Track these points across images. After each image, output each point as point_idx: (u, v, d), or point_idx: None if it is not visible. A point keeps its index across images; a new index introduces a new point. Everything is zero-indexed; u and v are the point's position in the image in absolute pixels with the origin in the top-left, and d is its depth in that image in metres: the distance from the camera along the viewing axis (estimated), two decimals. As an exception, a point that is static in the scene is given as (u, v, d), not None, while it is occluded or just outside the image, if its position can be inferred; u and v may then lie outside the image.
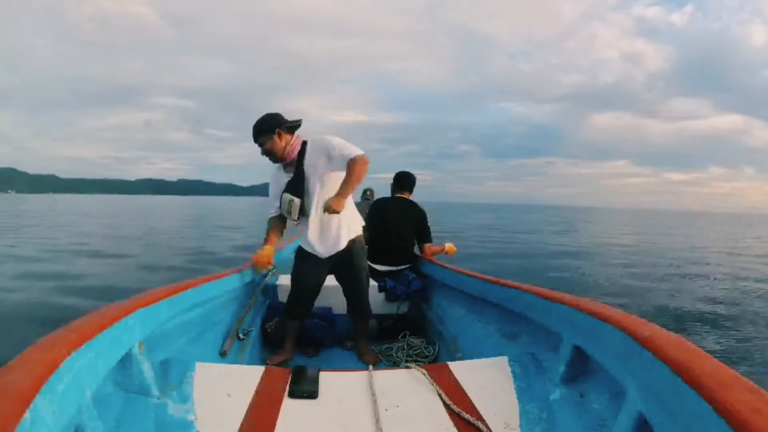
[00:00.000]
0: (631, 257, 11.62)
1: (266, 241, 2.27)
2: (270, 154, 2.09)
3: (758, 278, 8.46)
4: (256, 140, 2.09)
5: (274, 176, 2.22)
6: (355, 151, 1.97)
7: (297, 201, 2.06)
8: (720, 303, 6.09)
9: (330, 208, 1.92)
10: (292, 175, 2.11)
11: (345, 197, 1.96)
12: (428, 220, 3.11)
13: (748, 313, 5.51)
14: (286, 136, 2.07)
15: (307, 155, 2.09)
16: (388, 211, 3.04)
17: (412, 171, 3.16)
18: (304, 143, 2.11)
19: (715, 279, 8.33)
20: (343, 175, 1.99)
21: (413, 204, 3.12)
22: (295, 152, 2.09)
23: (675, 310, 5.58)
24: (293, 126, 2.10)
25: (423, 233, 3.08)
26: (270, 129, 2.04)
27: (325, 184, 2.06)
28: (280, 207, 2.16)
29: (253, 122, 2.09)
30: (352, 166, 1.96)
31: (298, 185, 2.07)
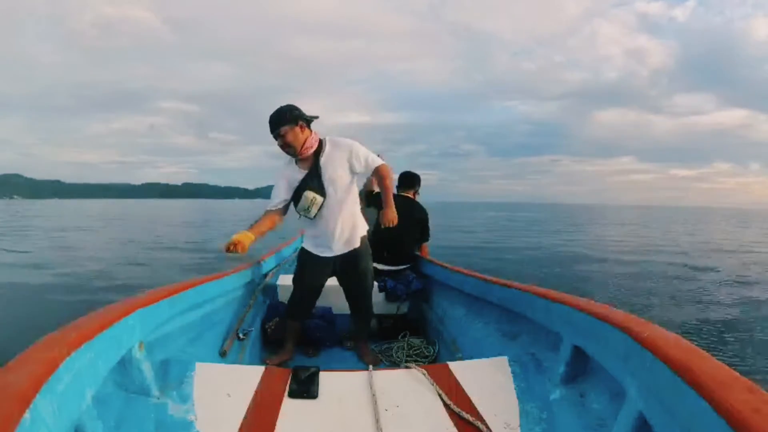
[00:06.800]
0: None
1: (251, 227, 2.07)
2: (289, 146, 2.00)
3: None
4: (275, 130, 1.99)
5: (285, 170, 2.12)
6: (378, 160, 2.12)
7: (320, 199, 2.02)
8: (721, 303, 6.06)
9: (392, 221, 2.15)
10: (306, 171, 2.05)
11: (392, 207, 2.18)
12: (430, 220, 3.11)
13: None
14: (307, 130, 2.03)
15: (326, 154, 2.06)
16: None
17: (417, 171, 3.17)
18: (321, 141, 2.09)
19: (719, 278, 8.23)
20: (353, 177, 2.11)
21: (415, 203, 3.11)
22: (314, 148, 2.06)
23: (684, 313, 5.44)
24: (311, 120, 2.07)
25: (423, 233, 3.08)
26: (293, 119, 1.98)
27: (340, 185, 2.06)
28: (294, 203, 2.11)
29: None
30: (384, 176, 2.15)
31: (319, 183, 2.03)
